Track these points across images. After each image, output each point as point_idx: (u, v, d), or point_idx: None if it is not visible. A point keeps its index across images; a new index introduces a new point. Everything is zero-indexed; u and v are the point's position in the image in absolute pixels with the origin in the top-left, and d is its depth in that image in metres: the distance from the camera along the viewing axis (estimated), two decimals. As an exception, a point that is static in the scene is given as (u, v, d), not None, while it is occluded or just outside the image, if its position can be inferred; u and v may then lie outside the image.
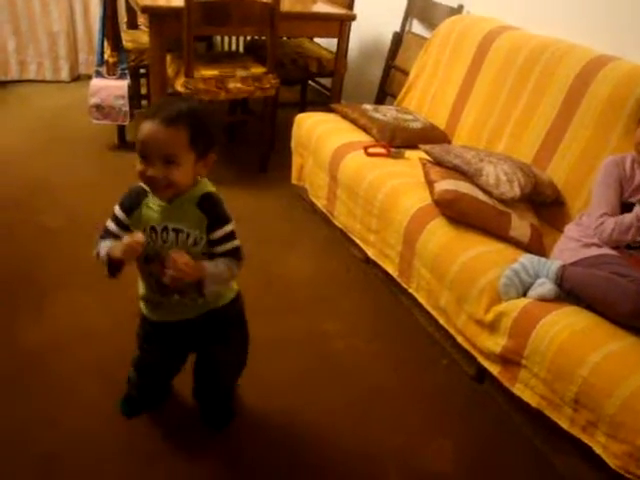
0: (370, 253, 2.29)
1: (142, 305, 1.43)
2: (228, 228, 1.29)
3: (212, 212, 1.28)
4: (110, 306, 2.02)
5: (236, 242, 1.31)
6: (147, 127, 1.18)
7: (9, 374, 1.74)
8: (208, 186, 1.33)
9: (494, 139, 2.43)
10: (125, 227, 1.29)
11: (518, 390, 1.63)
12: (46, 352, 1.83)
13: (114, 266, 1.25)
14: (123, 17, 3.67)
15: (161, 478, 1.50)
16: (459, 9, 3.06)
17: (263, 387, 1.79)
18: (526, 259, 1.73)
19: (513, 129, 2.35)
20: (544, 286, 1.64)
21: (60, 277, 2.17)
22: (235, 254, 1.31)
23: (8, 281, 2.14)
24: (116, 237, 1.28)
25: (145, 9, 2.70)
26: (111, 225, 1.30)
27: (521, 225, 1.92)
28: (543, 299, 1.63)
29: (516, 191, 1.95)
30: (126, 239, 1.20)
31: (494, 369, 1.71)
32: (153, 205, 1.28)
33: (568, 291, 1.64)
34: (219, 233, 1.28)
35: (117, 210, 1.30)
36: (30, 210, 2.58)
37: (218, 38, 4.11)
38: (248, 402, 1.73)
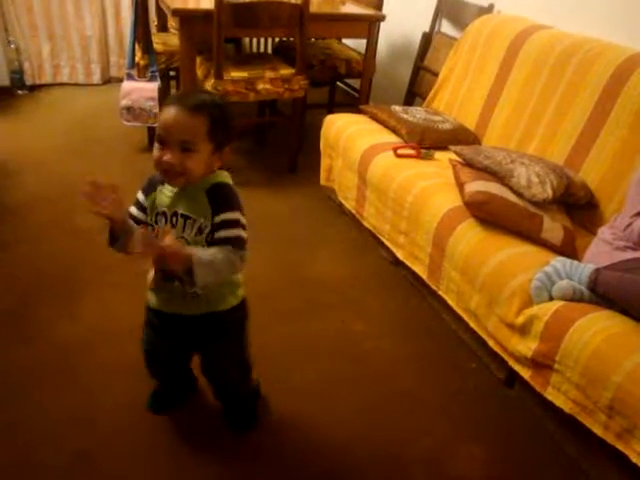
0: (399, 255, 2.27)
1: (148, 292, 1.43)
2: (232, 215, 1.26)
3: (218, 198, 1.27)
4: (141, 304, 2.03)
5: (239, 231, 1.27)
6: (170, 112, 1.20)
7: (44, 370, 1.78)
8: (224, 177, 1.32)
9: (525, 140, 2.40)
10: (143, 209, 1.34)
11: (550, 395, 1.60)
12: (79, 349, 1.87)
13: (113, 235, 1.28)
14: (153, 20, 3.72)
15: (185, 477, 1.51)
16: (489, 8, 3.03)
17: (290, 388, 1.79)
18: (558, 262, 1.70)
19: (545, 130, 2.32)
20: (561, 283, 1.62)
21: (92, 276, 2.21)
22: (236, 243, 1.25)
23: (43, 279, 2.19)
24: (134, 218, 1.32)
25: (176, 12, 2.73)
26: (132, 208, 1.34)
27: (553, 227, 1.89)
28: (565, 297, 1.61)
29: (548, 193, 1.92)
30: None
31: (525, 373, 1.69)
32: (166, 191, 1.30)
33: (602, 295, 1.60)
34: (221, 217, 1.25)
35: (139, 194, 1.35)
36: (63, 210, 2.63)
37: (247, 40, 4.13)
38: (274, 402, 1.73)
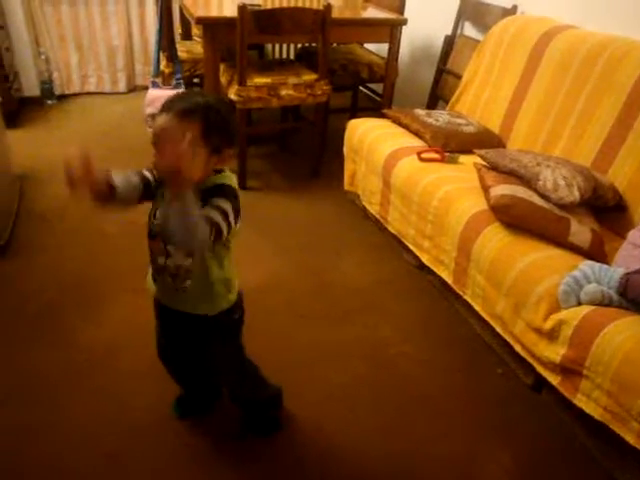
0: (424, 259, 2.26)
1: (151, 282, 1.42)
2: (220, 202, 1.19)
3: (212, 192, 1.21)
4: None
5: (219, 217, 1.17)
6: (161, 119, 1.18)
7: (71, 374, 1.81)
8: (226, 179, 1.27)
9: (551, 142, 2.37)
10: (147, 182, 1.28)
11: (580, 401, 1.57)
12: (104, 353, 1.90)
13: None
14: (177, 29, 3.77)
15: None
16: (513, 9, 3.00)
17: (313, 393, 1.79)
18: (587, 266, 1.68)
19: (571, 132, 2.29)
20: (588, 287, 1.60)
21: (117, 281, 2.24)
22: (212, 224, 1.15)
23: (69, 284, 2.23)
24: (143, 177, 1.28)
25: (200, 20, 2.76)
26: (145, 171, 1.30)
27: (581, 230, 1.86)
28: (594, 301, 1.58)
29: (575, 195, 1.90)
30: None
31: (553, 379, 1.66)
32: (166, 191, 1.24)
33: (631, 300, 1.57)
34: (210, 201, 1.19)
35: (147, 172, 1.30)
36: (90, 217, 2.66)
37: (269, 46, 4.16)
38: (298, 406, 1.73)
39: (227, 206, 1.20)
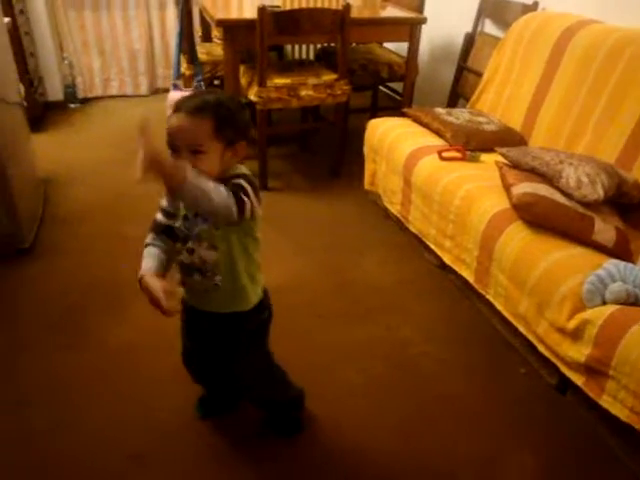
0: (446, 259, 2.25)
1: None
2: (239, 180, 1.22)
3: (230, 180, 1.22)
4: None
5: (236, 188, 1.19)
6: (173, 119, 1.20)
7: (94, 376, 1.83)
8: (239, 170, 1.28)
9: (573, 139, 2.33)
10: (168, 214, 1.34)
11: (605, 402, 1.55)
12: (130, 353, 1.92)
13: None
14: (197, 31, 3.80)
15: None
16: (534, 6, 2.97)
17: (335, 393, 1.79)
18: (611, 265, 1.65)
19: (595, 128, 2.25)
20: (613, 286, 1.57)
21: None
22: (236, 196, 1.17)
23: (92, 287, 2.26)
24: (161, 225, 1.35)
25: (220, 22, 2.78)
26: (158, 215, 1.36)
27: (605, 228, 1.83)
28: (619, 300, 1.56)
29: (599, 193, 1.87)
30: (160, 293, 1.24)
31: (578, 379, 1.64)
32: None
33: (659, 299, 1.55)
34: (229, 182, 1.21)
35: (162, 201, 1.35)
36: (113, 219, 2.71)
37: (289, 47, 4.17)
38: (319, 406, 1.73)
39: (243, 182, 1.22)
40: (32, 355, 1.91)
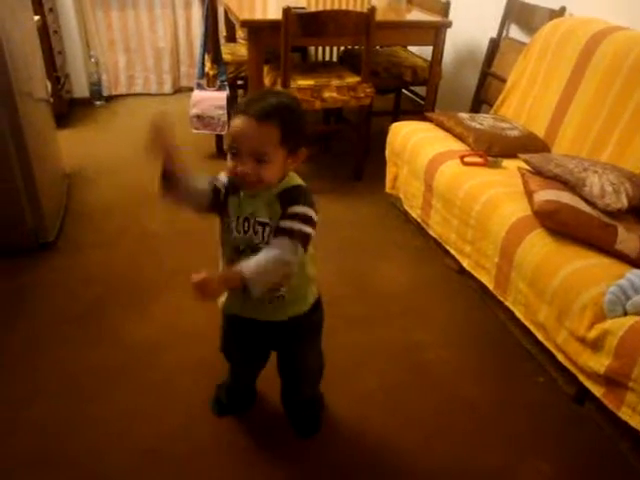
0: (465, 264, 2.24)
1: (224, 299, 1.41)
2: (299, 209, 1.21)
3: (288, 196, 1.23)
4: (208, 307, 2.08)
5: (304, 227, 1.20)
6: (239, 122, 1.16)
7: (117, 370, 1.85)
8: (295, 179, 1.28)
9: (598, 147, 2.31)
10: (215, 190, 1.27)
11: (625, 414, 1.53)
12: (149, 350, 1.94)
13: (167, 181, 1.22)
14: (222, 31, 3.83)
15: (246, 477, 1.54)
16: (561, 11, 2.94)
17: (351, 395, 1.79)
18: (634, 275, 1.63)
19: (620, 136, 2.23)
20: (636, 298, 1.55)
21: (161, 279, 2.29)
22: (298, 237, 1.19)
23: (115, 283, 2.29)
24: (214, 188, 1.27)
25: (244, 23, 2.80)
26: (222, 176, 1.30)
27: (629, 238, 1.81)
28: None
29: (623, 202, 1.85)
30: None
31: (597, 390, 1.62)
32: (245, 197, 1.26)
33: (682, 310, 1.52)
34: (289, 210, 1.21)
35: (224, 178, 1.30)
36: (135, 217, 2.74)
37: (312, 48, 4.18)
38: (337, 408, 1.74)
39: (308, 211, 1.22)
40: (51, 348, 1.94)
